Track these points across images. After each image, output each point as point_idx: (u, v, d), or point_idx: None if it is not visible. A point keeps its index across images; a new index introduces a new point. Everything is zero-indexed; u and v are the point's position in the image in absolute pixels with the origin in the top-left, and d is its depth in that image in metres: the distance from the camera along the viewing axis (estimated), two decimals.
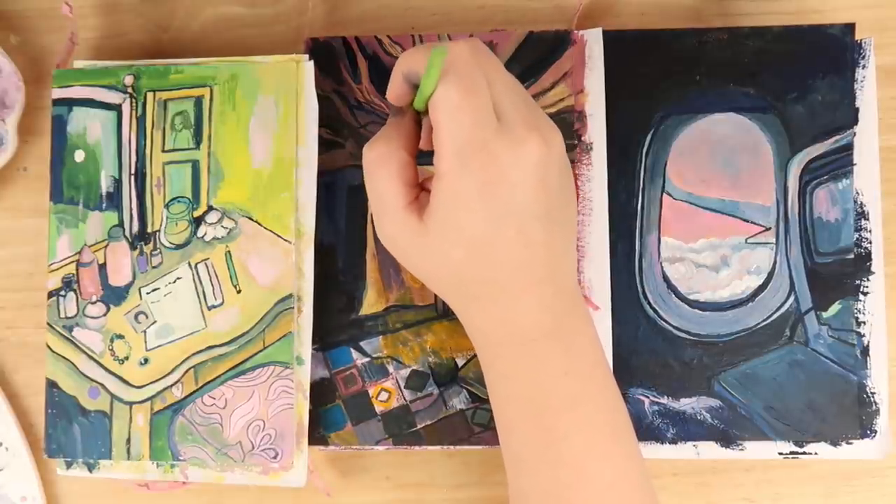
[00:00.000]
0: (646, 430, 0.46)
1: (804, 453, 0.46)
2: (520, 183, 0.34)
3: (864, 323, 0.46)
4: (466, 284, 0.37)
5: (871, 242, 0.46)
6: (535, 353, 0.37)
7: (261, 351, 0.46)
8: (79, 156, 0.47)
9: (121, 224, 0.47)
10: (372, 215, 0.39)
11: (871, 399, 0.46)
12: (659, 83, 0.47)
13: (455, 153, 0.34)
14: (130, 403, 0.46)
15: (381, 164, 0.37)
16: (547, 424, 0.36)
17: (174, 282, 0.46)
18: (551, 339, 0.37)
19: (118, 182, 0.47)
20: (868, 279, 0.46)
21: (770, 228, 0.47)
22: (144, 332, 0.47)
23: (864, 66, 0.47)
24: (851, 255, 0.46)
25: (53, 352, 0.47)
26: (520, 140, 0.34)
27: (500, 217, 0.34)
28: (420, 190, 0.38)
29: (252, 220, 0.46)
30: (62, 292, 0.47)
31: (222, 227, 0.46)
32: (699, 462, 0.48)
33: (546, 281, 0.36)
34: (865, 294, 0.46)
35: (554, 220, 0.36)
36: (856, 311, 0.46)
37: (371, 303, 0.48)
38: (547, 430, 0.36)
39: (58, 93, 0.48)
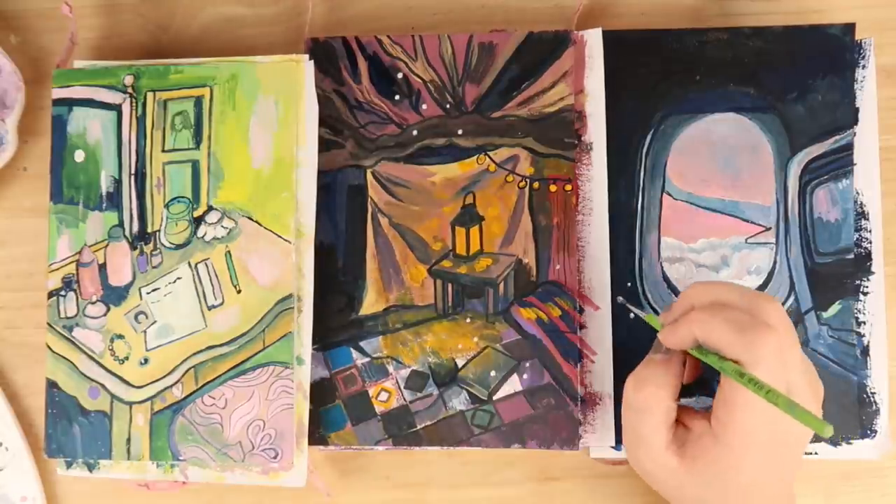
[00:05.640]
0: None
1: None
2: (795, 458, 0.38)
3: (864, 323, 0.46)
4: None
5: (871, 242, 0.46)
6: None
7: (261, 351, 0.46)
8: (79, 156, 0.47)
9: (121, 224, 0.47)
10: (627, 443, 0.41)
11: (871, 399, 0.46)
12: (659, 83, 0.47)
13: (745, 439, 0.36)
14: (130, 403, 0.46)
15: (649, 411, 0.39)
16: None
17: (174, 282, 0.46)
18: None
19: (118, 182, 0.47)
20: (868, 279, 0.46)
21: (770, 228, 0.47)
22: (144, 332, 0.47)
23: (864, 66, 0.47)
24: (851, 255, 0.46)
25: (53, 352, 0.47)
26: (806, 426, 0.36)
27: (767, 481, 0.37)
28: (676, 425, 0.40)
29: (252, 220, 0.46)
30: (62, 292, 0.47)
31: (222, 227, 0.46)
32: None
33: None
34: (865, 294, 0.46)
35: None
36: (856, 311, 0.46)
37: (371, 303, 0.48)
38: None
39: (58, 93, 0.48)
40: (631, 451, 0.41)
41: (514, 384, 0.46)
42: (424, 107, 0.48)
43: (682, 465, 0.38)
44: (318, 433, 0.47)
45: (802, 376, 0.37)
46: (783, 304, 0.46)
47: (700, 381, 0.46)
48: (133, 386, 0.46)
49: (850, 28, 0.46)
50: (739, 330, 0.36)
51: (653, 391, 0.39)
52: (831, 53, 0.46)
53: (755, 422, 0.36)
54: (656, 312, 0.47)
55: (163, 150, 0.47)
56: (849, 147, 0.46)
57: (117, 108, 0.47)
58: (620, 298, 0.45)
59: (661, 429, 0.39)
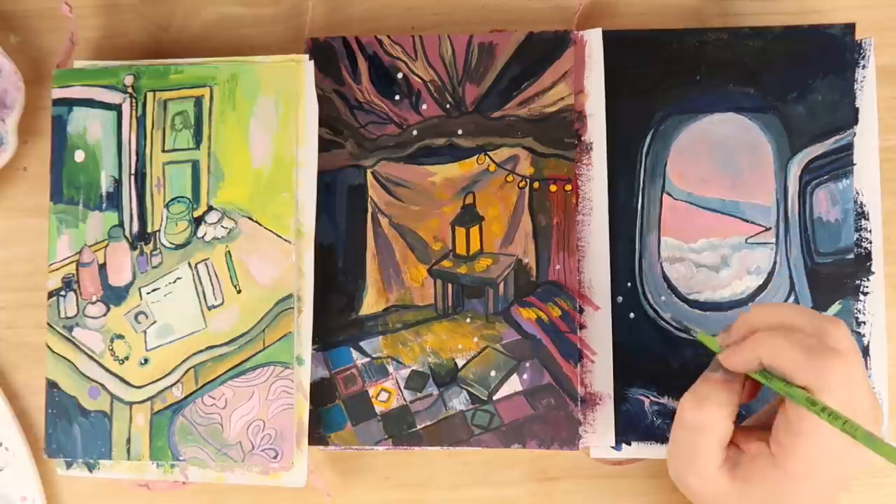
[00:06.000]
0: (646, 430, 0.46)
1: None
2: (844, 490, 0.38)
3: (864, 323, 0.46)
4: None
5: (871, 242, 0.46)
6: None
7: (261, 351, 0.46)
8: (79, 156, 0.47)
9: (121, 224, 0.47)
10: (675, 460, 0.40)
11: None
12: (659, 83, 0.47)
13: (807, 468, 0.36)
14: (130, 403, 0.46)
15: (707, 431, 0.38)
16: None
17: (174, 282, 0.46)
18: None
19: (118, 182, 0.47)
20: (868, 279, 0.46)
21: (770, 228, 0.47)
22: (144, 332, 0.47)
23: (864, 66, 0.47)
24: (851, 255, 0.46)
25: (53, 352, 0.47)
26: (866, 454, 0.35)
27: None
28: (729, 445, 0.39)
29: (252, 220, 0.46)
30: (62, 292, 0.47)
31: (222, 227, 0.46)
32: None
33: None
34: (865, 294, 0.46)
35: None
36: (856, 311, 0.46)
37: (371, 303, 0.48)
38: None
39: (58, 93, 0.48)
40: (678, 468, 0.39)
41: (514, 384, 0.46)
42: (424, 107, 0.48)
43: (733, 486, 0.37)
44: (318, 433, 0.47)
45: (868, 403, 0.36)
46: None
47: None
48: (133, 386, 0.46)
49: (850, 28, 0.46)
50: (808, 355, 0.35)
51: (713, 411, 0.37)
52: (831, 53, 0.46)
53: (820, 451, 0.36)
54: (656, 313, 0.47)
55: (163, 150, 0.47)
56: (849, 147, 0.46)
57: (117, 108, 0.47)
58: (694, 329, 0.45)
59: (715, 449, 0.38)
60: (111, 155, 0.47)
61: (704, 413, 0.38)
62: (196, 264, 0.46)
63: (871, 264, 0.46)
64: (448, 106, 0.48)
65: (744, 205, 0.47)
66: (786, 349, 0.36)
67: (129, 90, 0.47)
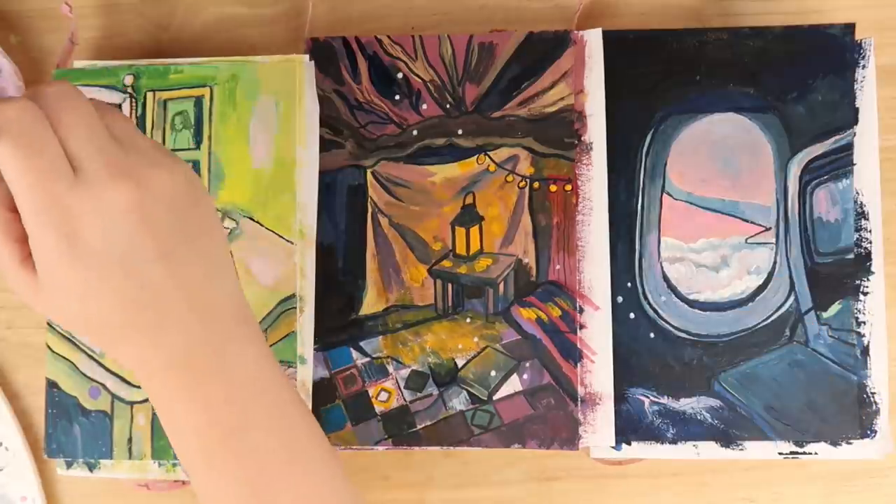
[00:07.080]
0: (646, 430, 0.46)
1: (804, 453, 0.46)
2: (111, 232, 0.33)
3: (864, 323, 0.46)
4: (102, 331, 0.35)
5: (871, 242, 0.46)
6: (192, 386, 0.36)
7: None
8: None
9: None
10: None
11: (871, 399, 0.46)
12: (659, 83, 0.47)
13: (32, 214, 0.32)
14: (131, 403, 0.46)
15: None
16: (216, 454, 0.36)
17: None
18: (208, 372, 0.36)
19: None
20: (868, 279, 0.46)
21: (770, 228, 0.47)
22: None
23: (864, 66, 0.47)
24: (851, 255, 0.46)
25: (53, 352, 0.47)
26: (100, 189, 0.32)
27: (101, 268, 0.33)
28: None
29: (253, 220, 0.46)
30: None
31: (224, 227, 0.46)
32: (699, 462, 0.48)
33: (187, 316, 0.35)
34: (865, 294, 0.46)
35: (178, 257, 0.34)
36: (856, 311, 0.46)
37: (371, 303, 0.48)
38: (218, 458, 0.36)
39: None
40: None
41: (514, 384, 0.46)
42: (424, 107, 0.48)
43: (37, 280, 0.34)
44: None
45: (98, 141, 0.32)
46: (783, 304, 0.46)
47: (699, 381, 0.46)
48: (134, 386, 0.46)
49: (850, 28, 0.46)
50: None
51: None
52: (831, 53, 0.46)
53: (28, 197, 0.32)
54: (656, 313, 0.47)
55: None
56: (849, 147, 0.46)
57: (117, 108, 0.47)
58: None
59: (3, 244, 0.34)
60: None
61: None
62: None
63: (871, 264, 0.46)
64: (448, 106, 0.48)
65: (744, 205, 0.47)
66: None
67: (129, 90, 0.47)
